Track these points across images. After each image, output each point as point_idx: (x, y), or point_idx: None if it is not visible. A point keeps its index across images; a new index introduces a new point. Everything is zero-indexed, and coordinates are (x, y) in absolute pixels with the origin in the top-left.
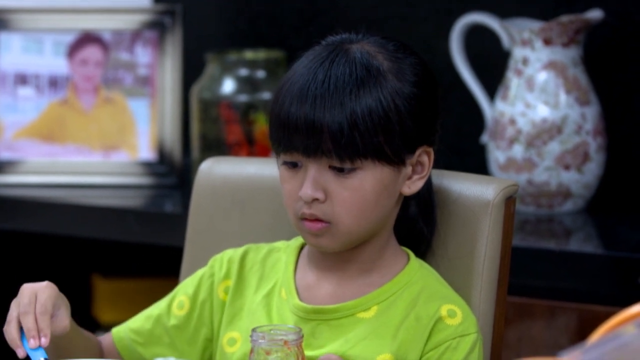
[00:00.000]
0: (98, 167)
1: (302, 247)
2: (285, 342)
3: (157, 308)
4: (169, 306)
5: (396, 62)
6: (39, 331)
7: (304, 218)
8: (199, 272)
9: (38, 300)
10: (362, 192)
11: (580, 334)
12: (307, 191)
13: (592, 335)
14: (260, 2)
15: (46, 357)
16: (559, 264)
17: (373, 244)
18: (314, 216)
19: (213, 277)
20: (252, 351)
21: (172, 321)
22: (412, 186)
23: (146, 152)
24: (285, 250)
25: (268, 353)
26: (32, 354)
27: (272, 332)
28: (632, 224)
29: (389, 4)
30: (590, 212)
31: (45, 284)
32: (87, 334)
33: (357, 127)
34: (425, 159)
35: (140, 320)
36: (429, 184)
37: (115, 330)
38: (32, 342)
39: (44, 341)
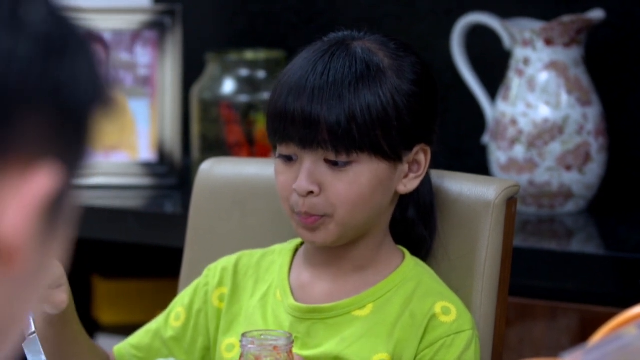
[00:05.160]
0: (98, 167)
1: (296, 249)
2: (275, 348)
3: (155, 322)
4: (167, 319)
5: (397, 60)
6: None
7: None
8: (195, 283)
9: None
10: (357, 185)
11: (582, 335)
12: (302, 184)
13: (594, 337)
14: (260, 2)
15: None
16: (561, 264)
17: (367, 241)
18: (308, 214)
19: (207, 286)
20: (241, 356)
21: (169, 333)
22: (408, 185)
23: (146, 152)
24: (280, 253)
25: (258, 358)
26: None
27: (262, 337)
28: (633, 224)
29: (388, 3)
30: (591, 213)
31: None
32: (98, 347)
33: (354, 120)
34: (422, 157)
35: (140, 336)
36: (429, 189)
37: (117, 348)
38: None
39: None
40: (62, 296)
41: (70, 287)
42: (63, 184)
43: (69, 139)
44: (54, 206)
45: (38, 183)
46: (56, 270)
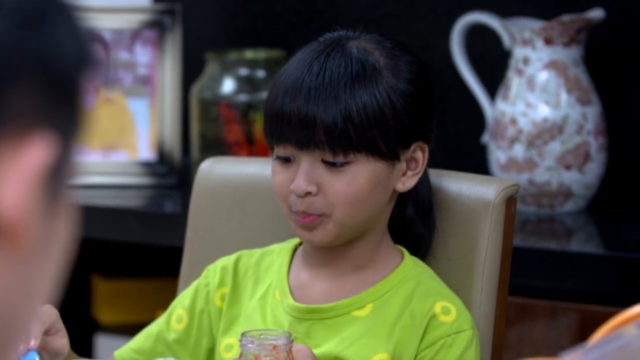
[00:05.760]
0: (98, 167)
1: (295, 249)
2: (275, 347)
3: (156, 325)
4: (168, 321)
5: (393, 59)
6: (28, 337)
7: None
8: (194, 284)
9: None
10: (355, 185)
11: (581, 334)
12: (300, 184)
13: (593, 336)
14: (260, 2)
15: (37, 356)
16: (560, 264)
17: (366, 241)
18: (307, 213)
19: (208, 287)
20: (241, 355)
21: (173, 335)
22: (407, 183)
23: (146, 152)
24: (279, 253)
25: (257, 358)
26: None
27: (261, 336)
28: (633, 224)
29: (388, 3)
30: (591, 212)
31: (46, 306)
32: None
33: (351, 121)
34: (419, 155)
35: (141, 340)
36: (428, 187)
37: (118, 353)
38: (21, 348)
39: (33, 343)
40: (62, 341)
41: (69, 289)
42: (60, 153)
43: (61, 106)
44: (53, 177)
45: (34, 154)
46: (52, 315)
